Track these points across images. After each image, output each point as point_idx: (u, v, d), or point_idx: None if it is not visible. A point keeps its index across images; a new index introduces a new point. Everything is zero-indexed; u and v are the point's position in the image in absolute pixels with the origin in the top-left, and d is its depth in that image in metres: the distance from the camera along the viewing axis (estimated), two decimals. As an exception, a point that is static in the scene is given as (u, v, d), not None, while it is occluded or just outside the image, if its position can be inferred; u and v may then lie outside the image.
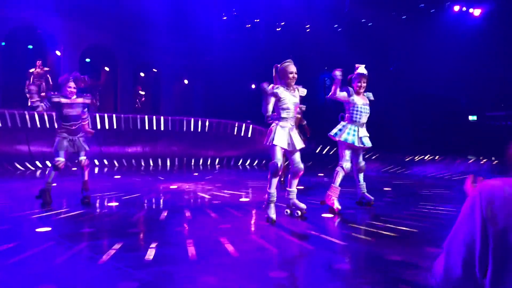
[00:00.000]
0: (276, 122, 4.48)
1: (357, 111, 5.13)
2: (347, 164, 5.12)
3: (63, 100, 5.27)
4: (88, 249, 3.49)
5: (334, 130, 5.17)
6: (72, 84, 5.30)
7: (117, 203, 5.64)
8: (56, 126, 5.39)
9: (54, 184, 5.49)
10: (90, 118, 5.72)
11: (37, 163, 10.53)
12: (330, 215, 4.84)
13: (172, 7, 16.13)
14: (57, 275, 2.84)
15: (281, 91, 4.40)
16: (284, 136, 4.39)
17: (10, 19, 13.29)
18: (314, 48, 15.92)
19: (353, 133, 5.09)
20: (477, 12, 13.90)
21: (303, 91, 4.60)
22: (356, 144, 5.08)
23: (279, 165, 4.34)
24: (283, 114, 4.44)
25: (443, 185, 7.60)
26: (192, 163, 12.67)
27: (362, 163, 5.32)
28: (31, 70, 13.13)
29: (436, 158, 12.40)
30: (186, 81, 19.58)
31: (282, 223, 4.39)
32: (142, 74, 17.60)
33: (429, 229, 4.18)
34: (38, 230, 4.06)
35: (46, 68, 13.41)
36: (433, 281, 0.90)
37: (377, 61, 15.01)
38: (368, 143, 5.20)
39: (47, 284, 2.64)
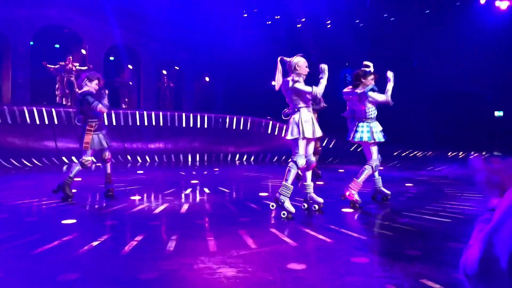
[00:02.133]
0: (298, 113, 4.42)
1: (374, 112, 5.08)
2: (377, 163, 5.06)
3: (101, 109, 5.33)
4: (111, 240, 3.59)
5: (365, 135, 5.01)
6: (97, 81, 5.42)
7: (139, 197, 5.76)
8: (79, 124, 5.46)
9: (79, 179, 5.64)
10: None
11: (64, 158, 10.84)
12: (350, 210, 4.81)
13: (194, 5, 16.26)
14: (81, 264, 2.93)
15: (302, 81, 4.42)
16: (310, 126, 4.39)
17: (38, 19, 13.68)
18: (335, 44, 15.76)
19: (375, 131, 5.03)
20: (504, 5, 13.46)
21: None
22: (382, 139, 5.03)
23: (304, 159, 4.35)
24: (304, 104, 4.44)
25: (466, 182, 7.43)
26: (213, 159, 12.78)
27: (377, 161, 5.25)
28: (62, 63, 13.46)
29: (460, 154, 12.12)
30: (207, 78, 19.74)
31: (301, 217, 4.40)
32: (164, 72, 17.83)
33: (451, 225, 4.11)
34: (63, 222, 4.19)
35: (76, 64, 13.77)
36: (462, 275, 0.88)
37: (399, 56, 14.75)
38: (383, 137, 5.15)
39: (72, 272, 2.73)
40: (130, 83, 15.20)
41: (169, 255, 3.08)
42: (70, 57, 13.71)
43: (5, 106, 10.85)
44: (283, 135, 4.46)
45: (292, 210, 4.31)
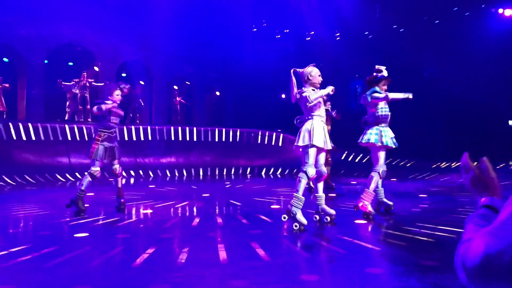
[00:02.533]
0: (311, 120, 4.40)
1: (385, 112, 5.05)
2: (383, 168, 5.03)
3: (114, 108, 5.43)
4: (122, 253, 3.58)
5: (372, 137, 5.03)
6: (119, 92, 5.50)
7: (151, 211, 5.77)
8: (93, 136, 5.55)
9: (91, 194, 5.67)
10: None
11: (77, 174, 10.95)
12: (363, 221, 4.74)
13: (203, 20, 16.51)
14: (93, 277, 2.92)
15: (311, 92, 4.40)
16: (321, 135, 4.36)
17: (52, 38, 14.02)
18: (345, 56, 15.80)
19: (388, 135, 5.00)
20: (508, 12, 13.38)
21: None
22: (394, 146, 4.98)
23: (314, 170, 4.32)
24: (317, 112, 4.42)
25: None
26: (224, 173, 12.78)
27: (384, 167, 5.18)
28: (76, 80, 13.76)
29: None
30: (217, 93, 19.90)
31: (313, 229, 4.34)
32: (175, 87, 18.04)
33: (468, 235, 4.01)
34: (76, 235, 4.21)
35: (90, 80, 14.06)
36: (459, 267, 0.86)
37: (409, 67, 14.71)
38: (395, 144, 5.09)
39: (84, 285, 2.72)
40: (142, 102, 15.39)
41: (181, 267, 3.06)
42: (85, 73, 14.00)
43: (20, 122, 11.05)
44: (295, 143, 4.42)
45: (304, 222, 4.25)
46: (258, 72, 17.49)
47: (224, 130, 14.30)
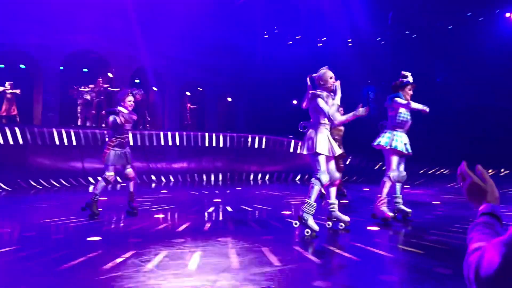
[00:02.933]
0: (316, 129, 4.38)
1: (403, 117, 5.01)
2: (394, 173, 4.98)
3: (125, 114, 5.49)
4: (134, 257, 3.59)
5: (383, 140, 5.02)
6: (131, 98, 5.56)
7: (163, 215, 5.79)
8: (106, 140, 5.61)
9: (104, 198, 5.72)
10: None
11: (90, 178, 11.06)
12: (376, 228, 4.69)
13: (216, 27, 16.64)
14: (104, 281, 2.93)
15: (326, 95, 4.37)
16: (326, 142, 4.32)
17: (67, 45, 14.26)
18: (357, 62, 15.76)
19: (401, 140, 4.96)
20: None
21: (337, 99, 4.47)
22: (404, 151, 4.94)
23: (327, 177, 4.28)
24: (322, 120, 4.38)
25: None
26: (236, 178, 12.79)
27: (404, 173, 5.12)
28: (91, 86, 14.01)
29: (489, 171, 11.72)
30: (229, 99, 19.98)
31: (325, 235, 4.30)
32: (188, 93, 18.17)
33: (484, 243, 3.93)
34: (88, 239, 4.24)
35: (106, 85, 14.28)
36: (471, 276, 0.84)
37: (422, 73, 14.59)
38: (410, 150, 5.03)
39: (96, 288, 2.74)
40: (146, 112, 15.52)
41: (192, 272, 3.06)
42: (100, 79, 14.22)
43: (35, 127, 11.23)
44: (298, 151, 4.43)
45: (316, 228, 4.22)
46: (269, 78, 17.53)
47: (235, 135, 14.32)
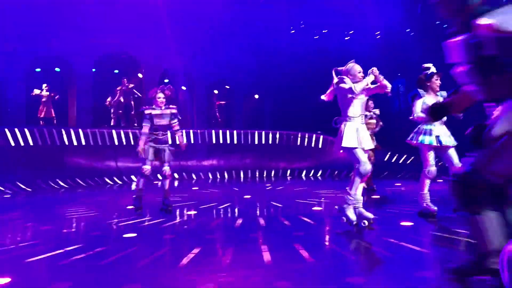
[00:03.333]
0: (344, 123, 4.35)
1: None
2: (431, 169, 4.87)
3: (154, 112, 5.68)
4: (169, 253, 3.68)
5: (412, 134, 4.97)
6: (161, 95, 5.71)
7: (195, 212, 5.89)
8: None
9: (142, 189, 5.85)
10: (170, 132, 6.03)
11: (124, 177, 11.39)
12: (410, 223, 4.60)
13: (242, 25, 16.69)
14: (141, 276, 3.02)
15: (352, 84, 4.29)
16: (354, 135, 4.26)
17: (98, 47, 14.67)
18: (386, 54, 15.42)
19: (430, 133, 4.83)
20: None
21: (369, 78, 4.36)
22: (434, 143, 4.80)
23: (367, 167, 4.24)
24: (351, 113, 4.33)
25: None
26: (264, 175, 12.83)
27: (460, 165, 4.95)
28: (118, 88, 14.45)
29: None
30: (256, 96, 20.02)
31: (357, 232, 4.26)
32: (215, 92, 18.33)
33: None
34: (125, 236, 4.38)
35: (131, 85, 14.64)
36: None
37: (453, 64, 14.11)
38: (447, 142, 4.86)
39: (133, 284, 2.82)
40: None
41: (226, 268, 3.11)
42: (125, 79, 14.59)
43: (71, 128, 11.66)
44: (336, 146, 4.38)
45: (353, 218, 4.27)
46: (296, 74, 17.43)
47: (263, 132, 14.36)
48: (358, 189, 4.40)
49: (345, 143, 4.25)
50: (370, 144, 4.36)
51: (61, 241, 4.16)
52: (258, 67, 18.24)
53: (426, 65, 5.03)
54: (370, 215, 4.37)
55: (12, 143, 10.61)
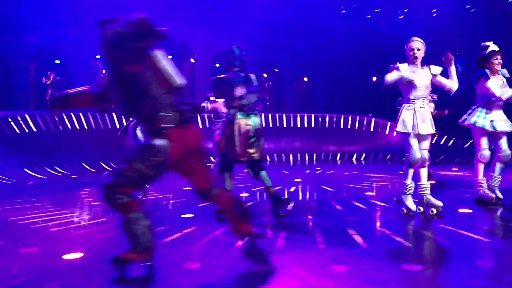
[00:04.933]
0: (403, 105, 4.24)
1: (484, 93, 4.62)
2: (483, 153, 4.65)
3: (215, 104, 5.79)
4: (225, 234, 3.82)
5: (471, 118, 4.72)
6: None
7: (247, 194, 6.05)
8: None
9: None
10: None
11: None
12: (469, 211, 4.45)
13: (290, 6, 16.46)
14: (200, 255, 3.19)
15: (404, 68, 4.15)
16: (410, 119, 4.15)
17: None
18: (444, 33, 14.61)
19: (484, 116, 4.57)
20: None
21: (435, 69, 4.21)
22: (487, 128, 4.55)
23: (417, 156, 4.15)
24: (408, 95, 4.20)
25: None
26: (314, 158, 12.78)
27: (507, 152, 4.70)
28: None
29: None
30: (306, 79, 19.83)
31: (412, 218, 4.19)
32: (265, 75, 18.37)
33: None
34: (183, 216, 4.60)
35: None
36: None
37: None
38: (502, 127, 4.59)
39: (194, 261, 2.99)
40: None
41: (280, 250, 3.20)
42: None
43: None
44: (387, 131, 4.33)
45: (413, 208, 4.23)
46: (347, 55, 17.03)
47: (313, 115, 14.24)
48: (422, 176, 4.29)
49: (399, 127, 4.18)
50: (428, 129, 4.19)
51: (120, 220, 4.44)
52: (307, 49, 18.00)
53: (485, 43, 4.74)
54: (438, 202, 4.20)
55: (78, 126, 11.39)
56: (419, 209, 4.41)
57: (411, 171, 4.25)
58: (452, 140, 12.44)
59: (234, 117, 4.31)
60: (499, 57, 4.64)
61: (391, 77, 4.08)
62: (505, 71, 4.74)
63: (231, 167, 4.44)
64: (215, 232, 3.82)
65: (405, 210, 4.27)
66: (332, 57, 17.65)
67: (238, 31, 16.26)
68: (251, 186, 6.88)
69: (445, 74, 4.27)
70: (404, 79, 4.11)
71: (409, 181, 4.26)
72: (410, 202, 4.27)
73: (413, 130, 4.13)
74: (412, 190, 4.26)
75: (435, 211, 4.20)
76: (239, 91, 4.24)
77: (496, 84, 4.58)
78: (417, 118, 4.14)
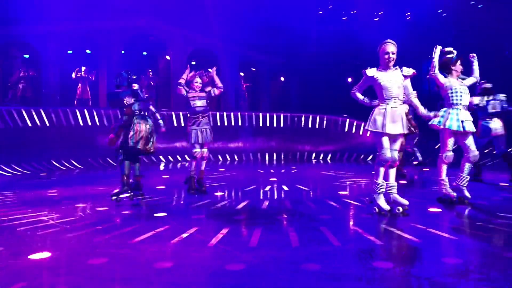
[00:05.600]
0: (375, 106, 4.31)
1: (456, 93, 4.76)
2: (447, 154, 4.80)
3: (190, 94, 5.90)
4: (198, 233, 3.79)
5: (437, 119, 4.82)
6: (198, 79, 5.88)
7: (222, 193, 6.01)
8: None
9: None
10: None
11: (152, 158, 11.66)
12: (438, 210, 4.56)
13: (268, 6, 16.49)
14: (173, 254, 3.14)
15: (373, 71, 4.25)
16: (380, 119, 4.20)
17: (127, 30, 14.86)
18: (416, 37, 14.95)
19: (456, 118, 4.72)
20: None
21: (407, 71, 4.28)
22: (455, 128, 4.69)
23: (387, 155, 4.21)
24: (381, 96, 4.26)
25: None
26: (289, 157, 12.85)
27: (475, 153, 4.84)
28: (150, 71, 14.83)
29: None
30: (282, 78, 19.91)
31: (383, 217, 4.25)
32: (241, 74, 18.32)
33: (559, 228, 3.71)
34: (156, 215, 4.53)
35: (151, 82, 15.08)
36: None
37: (488, 45, 13.56)
38: (470, 127, 4.74)
39: (166, 261, 2.94)
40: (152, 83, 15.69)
41: (254, 248, 3.19)
42: (150, 71, 15.04)
43: (102, 110, 11.98)
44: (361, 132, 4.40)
45: (386, 207, 4.27)
46: (323, 56, 17.19)
47: (289, 115, 14.31)
48: (391, 175, 4.37)
49: (369, 126, 4.25)
50: (398, 129, 4.21)
51: (95, 219, 4.35)
52: (284, 48, 18.07)
53: (448, 49, 4.90)
54: (404, 201, 4.30)
55: (47, 123, 11.04)
56: (398, 209, 4.47)
57: (382, 170, 4.31)
58: (423, 141, 12.74)
59: (129, 121, 5.37)
60: (459, 62, 4.82)
61: (357, 96, 4.43)
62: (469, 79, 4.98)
63: (130, 157, 5.47)
64: (188, 230, 3.77)
65: (377, 209, 4.32)
66: (309, 57, 17.78)
67: (215, 29, 16.16)
68: (225, 185, 6.86)
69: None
70: (376, 82, 4.22)
71: (380, 180, 4.32)
72: (382, 201, 4.32)
73: (382, 129, 4.18)
74: (384, 189, 4.32)
75: (401, 209, 4.29)
76: (127, 100, 5.40)
77: (454, 82, 4.82)
78: (388, 118, 4.18)
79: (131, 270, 2.78)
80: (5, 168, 9.28)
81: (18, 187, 6.91)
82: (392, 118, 4.19)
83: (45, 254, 3.10)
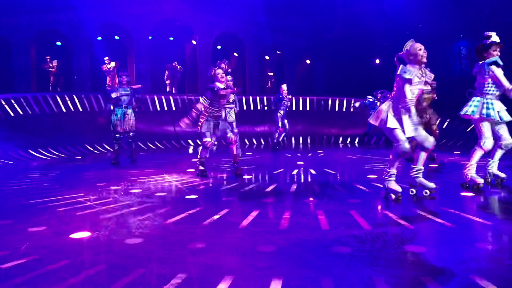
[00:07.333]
0: (390, 101, 4.21)
1: (493, 83, 4.58)
2: (487, 142, 4.64)
3: (222, 92, 5.86)
4: (229, 215, 3.87)
5: (470, 109, 4.67)
6: (220, 70, 5.88)
7: (250, 176, 6.09)
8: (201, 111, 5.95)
9: (207, 155, 6.19)
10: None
11: (181, 141, 11.88)
12: (470, 194, 4.48)
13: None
14: (205, 235, 3.23)
15: (416, 71, 4.07)
16: (384, 114, 4.17)
17: (154, 15, 14.98)
18: (447, 14, 14.38)
19: (487, 107, 4.56)
20: None
21: (430, 76, 4.21)
22: (497, 118, 4.55)
23: (406, 147, 4.12)
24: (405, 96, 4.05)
25: None
26: (316, 141, 12.80)
27: (510, 141, 4.70)
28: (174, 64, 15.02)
29: None
30: (308, 61, 19.66)
31: (414, 201, 4.22)
32: (267, 57, 18.22)
33: None
34: (187, 197, 4.65)
35: (180, 67, 15.17)
36: None
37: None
38: (507, 117, 4.60)
39: (198, 242, 3.03)
40: (179, 67, 15.61)
41: (284, 231, 3.24)
42: (176, 62, 15.23)
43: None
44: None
45: (399, 189, 4.20)
46: (349, 38, 16.83)
47: (315, 98, 14.19)
48: (420, 160, 4.32)
49: (390, 124, 4.12)
50: (412, 132, 4.08)
51: (131, 201, 4.50)
52: (309, 30, 17.81)
53: (488, 33, 4.68)
54: (431, 184, 4.31)
55: (80, 108, 11.38)
56: (411, 192, 4.45)
57: (398, 161, 4.22)
58: (454, 124, 12.40)
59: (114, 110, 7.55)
60: (498, 49, 4.60)
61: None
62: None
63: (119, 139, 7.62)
64: (219, 212, 3.86)
65: (393, 196, 4.22)
66: (334, 39, 17.46)
67: (240, 13, 16.08)
68: (253, 169, 6.93)
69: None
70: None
71: (393, 170, 4.24)
72: (394, 185, 4.23)
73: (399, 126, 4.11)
74: (394, 177, 4.26)
75: (428, 192, 4.30)
76: (114, 94, 7.48)
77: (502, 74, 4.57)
78: (389, 112, 4.16)
79: (166, 251, 2.88)
80: (42, 152, 9.67)
81: (56, 169, 7.21)
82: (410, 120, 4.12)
83: (85, 234, 3.26)
